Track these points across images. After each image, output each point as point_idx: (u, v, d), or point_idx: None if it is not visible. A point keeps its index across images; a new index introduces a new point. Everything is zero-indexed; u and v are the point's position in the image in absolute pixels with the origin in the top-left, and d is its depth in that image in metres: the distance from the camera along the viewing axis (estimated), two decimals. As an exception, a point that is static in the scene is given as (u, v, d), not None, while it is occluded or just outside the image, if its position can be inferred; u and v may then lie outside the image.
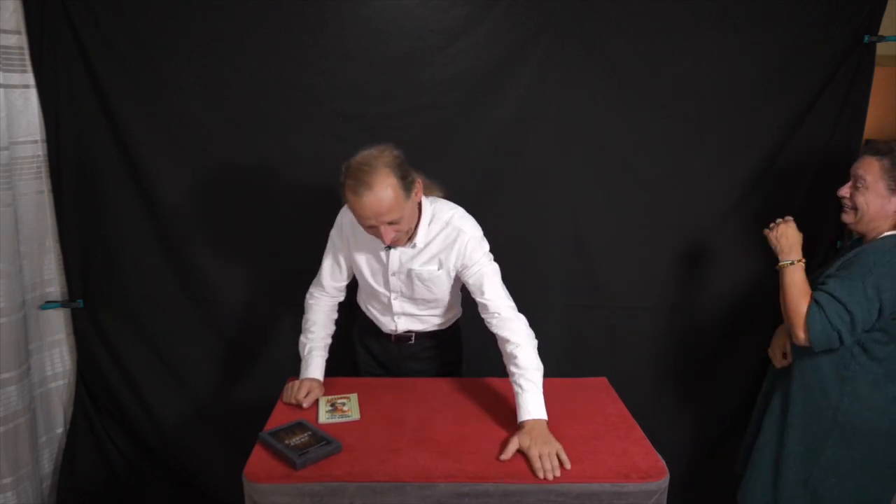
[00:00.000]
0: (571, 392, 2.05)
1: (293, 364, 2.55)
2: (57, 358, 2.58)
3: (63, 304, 2.53)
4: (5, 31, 2.24)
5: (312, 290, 2.18)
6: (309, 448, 1.63)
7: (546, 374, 1.94)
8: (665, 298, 2.62)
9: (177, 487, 2.72)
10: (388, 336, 2.19)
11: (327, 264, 2.12)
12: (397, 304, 2.10)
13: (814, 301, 1.89)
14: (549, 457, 1.62)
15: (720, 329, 2.65)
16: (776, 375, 2.19)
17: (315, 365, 2.04)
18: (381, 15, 2.35)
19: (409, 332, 2.17)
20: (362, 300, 2.23)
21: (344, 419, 1.85)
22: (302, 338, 2.12)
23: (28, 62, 2.31)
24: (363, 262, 2.06)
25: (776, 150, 2.50)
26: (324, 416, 1.86)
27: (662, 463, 1.65)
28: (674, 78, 2.43)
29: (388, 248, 1.96)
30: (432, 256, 1.98)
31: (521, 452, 1.68)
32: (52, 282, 2.51)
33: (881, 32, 2.41)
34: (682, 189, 2.52)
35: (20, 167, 2.33)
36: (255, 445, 1.70)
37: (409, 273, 2.00)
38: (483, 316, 1.96)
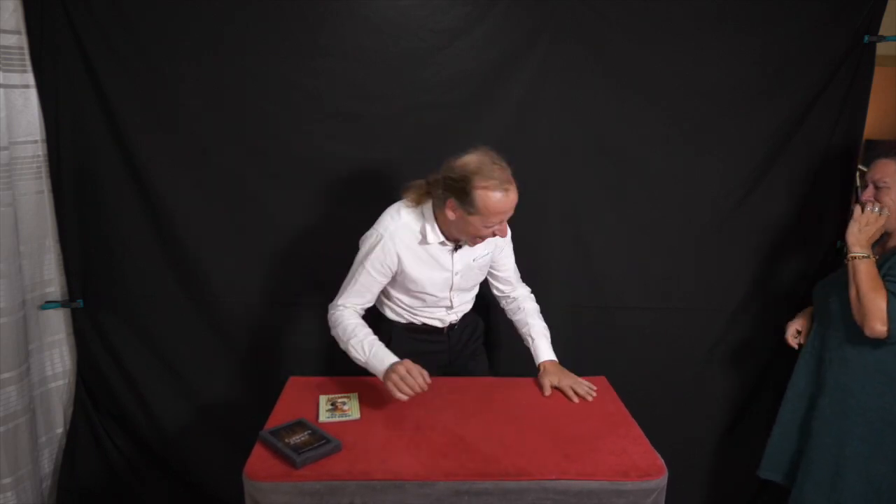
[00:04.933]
0: (571, 391, 2.06)
1: (293, 364, 2.56)
2: (57, 358, 2.58)
3: (63, 304, 2.53)
4: (5, 31, 2.24)
5: (338, 303, 2.02)
6: (309, 447, 1.63)
7: (546, 374, 1.97)
8: (665, 298, 2.62)
9: (177, 487, 2.71)
10: (440, 331, 2.18)
11: (355, 290, 2.00)
12: (456, 299, 2.12)
13: (891, 294, 1.93)
14: (579, 384, 1.99)
15: (720, 329, 2.65)
16: (813, 377, 2.20)
17: (388, 353, 1.88)
18: (381, 15, 2.35)
19: (456, 321, 2.21)
20: (407, 313, 2.14)
21: (344, 418, 1.85)
22: (352, 342, 1.92)
23: (28, 62, 2.31)
24: (425, 277, 2.01)
25: (776, 150, 2.50)
26: (324, 415, 1.86)
27: (661, 461, 1.65)
28: (674, 78, 2.43)
29: (456, 248, 2.00)
30: (486, 243, 2.04)
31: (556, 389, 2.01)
32: (52, 282, 2.51)
33: (881, 32, 2.42)
34: (682, 189, 2.53)
35: (20, 167, 2.33)
36: (255, 444, 1.70)
37: (471, 265, 2.06)
38: (504, 289, 2.24)
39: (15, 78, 2.28)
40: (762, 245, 2.60)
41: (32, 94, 2.34)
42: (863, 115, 2.49)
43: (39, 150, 2.39)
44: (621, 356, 2.63)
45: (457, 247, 2.01)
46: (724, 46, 2.41)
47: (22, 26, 2.28)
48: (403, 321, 2.16)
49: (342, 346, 1.96)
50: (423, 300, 2.09)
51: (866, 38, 2.41)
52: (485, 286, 2.27)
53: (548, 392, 2.00)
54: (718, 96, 2.44)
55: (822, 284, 2.27)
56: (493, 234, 1.91)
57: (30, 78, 2.32)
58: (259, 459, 1.63)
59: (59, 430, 2.62)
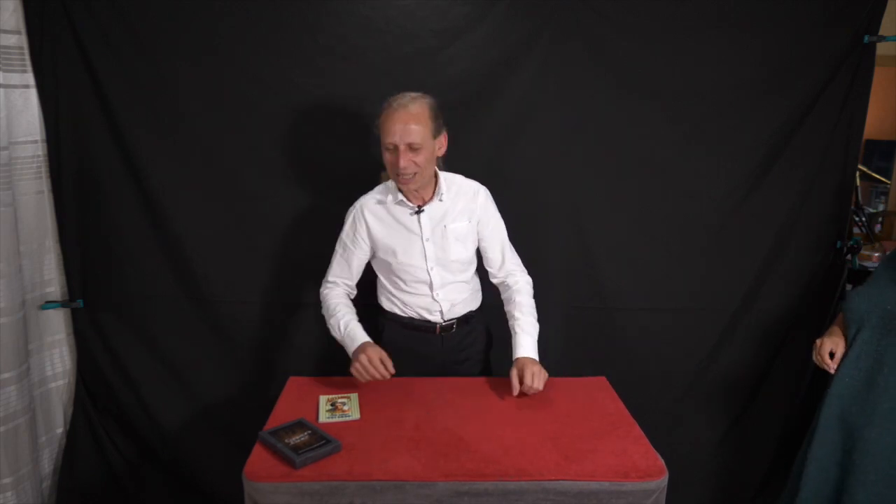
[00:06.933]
0: (571, 392, 2.05)
1: (293, 364, 2.55)
2: (57, 358, 2.58)
3: (63, 304, 2.53)
4: (5, 31, 2.24)
5: (327, 280, 2.18)
6: (309, 447, 1.64)
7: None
8: (665, 298, 2.62)
9: (177, 487, 2.71)
10: (433, 329, 2.17)
11: (335, 264, 2.16)
12: (436, 276, 2.10)
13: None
14: (537, 378, 1.93)
15: (720, 329, 2.65)
16: (858, 406, 1.93)
17: (361, 332, 2.03)
18: (381, 15, 2.35)
19: (451, 320, 2.18)
20: (397, 299, 2.18)
21: (344, 419, 1.85)
22: (331, 321, 2.08)
23: (28, 62, 2.31)
24: (395, 243, 2.08)
25: (776, 150, 2.50)
26: (324, 416, 1.86)
27: (661, 462, 1.65)
28: (674, 78, 2.43)
29: (418, 212, 2.05)
30: (461, 211, 2.10)
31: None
32: (52, 282, 2.51)
33: (881, 32, 2.42)
34: (682, 189, 2.53)
35: (20, 167, 2.33)
36: (255, 445, 1.70)
37: (444, 232, 2.07)
38: (495, 271, 2.21)
39: (15, 78, 2.28)
40: (762, 245, 2.59)
41: (32, 94, 2.34)
42: (863, 115, 2.49)
43: (39, 150, 2.39)
44: (621, 356, 2.63)
45: (419, 209, 2.05)
46: (724, 46, 2.41)
47: (22, 26, 2.27)
48: (398, 312, 2.19)
49: (327, 323, 2.10)
50: (403, 277, 2.12)
51: (866, 38, 2.41)
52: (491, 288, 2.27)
53: (515, 391, 1.94)
54: (718, 96, 2.44)
55: (866, 292, 2.02)
56: (399, 164, 1.92)
57: (30, 78, 2.32)
58: (259, 460, 1.63)
59: (59, 430, 2.62)
